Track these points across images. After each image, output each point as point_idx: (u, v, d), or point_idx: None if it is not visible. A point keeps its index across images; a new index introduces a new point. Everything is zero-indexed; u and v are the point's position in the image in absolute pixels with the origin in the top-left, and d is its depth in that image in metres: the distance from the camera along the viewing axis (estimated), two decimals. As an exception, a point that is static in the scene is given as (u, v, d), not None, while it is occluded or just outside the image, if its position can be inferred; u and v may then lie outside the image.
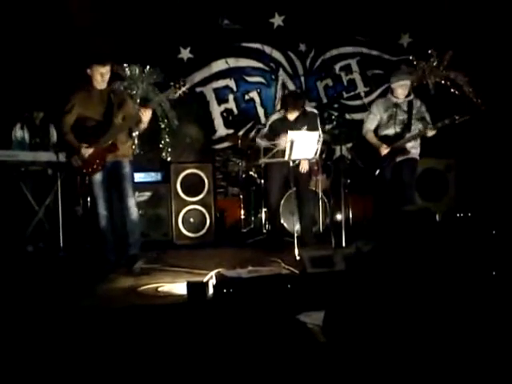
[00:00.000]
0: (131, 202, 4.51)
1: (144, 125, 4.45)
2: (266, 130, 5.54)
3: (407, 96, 5.30)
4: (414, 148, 5.29)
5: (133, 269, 4.42)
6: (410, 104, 5.28)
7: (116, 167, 4.52)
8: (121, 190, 4.52)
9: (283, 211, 5.83)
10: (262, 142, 5.52)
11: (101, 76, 4.42)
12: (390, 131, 5.28)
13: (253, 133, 6.99)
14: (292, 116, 5.34)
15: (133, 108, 4.59)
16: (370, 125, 5.36)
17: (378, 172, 5.25)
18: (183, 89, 4.37)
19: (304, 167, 5.35)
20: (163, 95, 4.55)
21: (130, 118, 4.46)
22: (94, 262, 4.81)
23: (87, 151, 4.39)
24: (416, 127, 5.23)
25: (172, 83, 4.38)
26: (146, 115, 4.35)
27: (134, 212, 4.52)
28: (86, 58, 4.56)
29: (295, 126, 5.22)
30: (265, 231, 6.16)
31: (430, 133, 5.10)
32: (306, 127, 5.22)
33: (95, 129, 4.44)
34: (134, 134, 5.19)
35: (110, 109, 4.44)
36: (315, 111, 5.58)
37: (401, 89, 5.25)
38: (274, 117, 5.54)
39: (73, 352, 2.55)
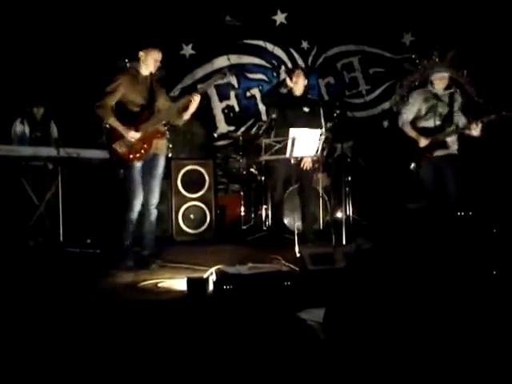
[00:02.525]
0: (154, 205, 4.48)
1: (187, 116, 4.46)
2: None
3: (447, 88, 5.08)
4: (453, 143, 5.04)
5: (149, 268, 4.38)
6: (452, 96, 5.06)
7: (153, 162, 4.47)
8: (149, 188, 4.44)
9: (284, 208, 5.82)
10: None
11: (154, 62, 4.40)
12: (430, 123, 5.01)
13: (254, 130, 6.99)
14: (298, 90, 5.38)
15: (167, 101, 4.61)
16: (408, 116, 5.09)
17: (413, 165, 5.02)
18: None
19: (306, 164, 5.34)
20: (211, 80, 4.56)
21: (168, 108, 4.48)
22: (97, 257, 4.82)
23: (135, 135, 4.30)
24: (459, 121, 4.99)
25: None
26: (195, 102, 4.35)
27: (153, 213, 4.49)
28: (143, 41, 4.57)
29: (299, 104, 5.34)
30: (265, 228, 6.15)
31: (475, 129, 4.76)
32: (308, 109, 5.33)
33: (139, 113, 4.36)
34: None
35: (152, 95, 4.42)
36: (318, 100, 5.67)
37: (440, 81, 5.04)
38: (281, 90, 5.49)
39: (73, 346, 2.55)
